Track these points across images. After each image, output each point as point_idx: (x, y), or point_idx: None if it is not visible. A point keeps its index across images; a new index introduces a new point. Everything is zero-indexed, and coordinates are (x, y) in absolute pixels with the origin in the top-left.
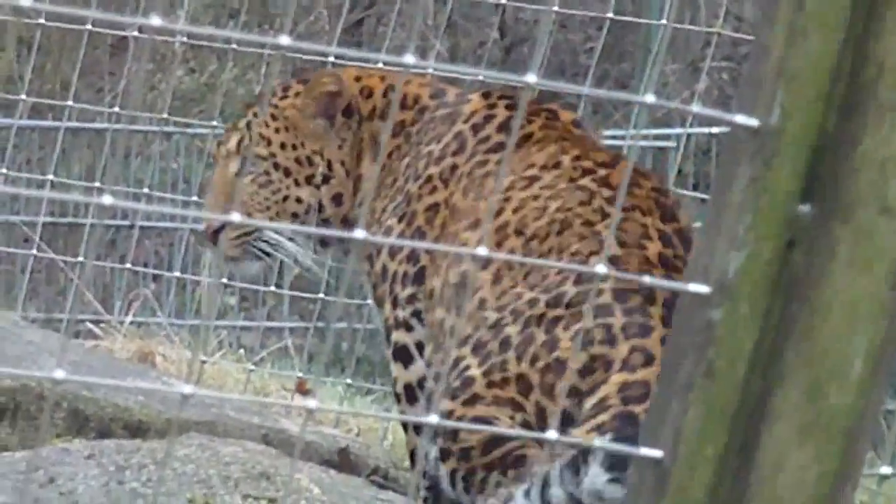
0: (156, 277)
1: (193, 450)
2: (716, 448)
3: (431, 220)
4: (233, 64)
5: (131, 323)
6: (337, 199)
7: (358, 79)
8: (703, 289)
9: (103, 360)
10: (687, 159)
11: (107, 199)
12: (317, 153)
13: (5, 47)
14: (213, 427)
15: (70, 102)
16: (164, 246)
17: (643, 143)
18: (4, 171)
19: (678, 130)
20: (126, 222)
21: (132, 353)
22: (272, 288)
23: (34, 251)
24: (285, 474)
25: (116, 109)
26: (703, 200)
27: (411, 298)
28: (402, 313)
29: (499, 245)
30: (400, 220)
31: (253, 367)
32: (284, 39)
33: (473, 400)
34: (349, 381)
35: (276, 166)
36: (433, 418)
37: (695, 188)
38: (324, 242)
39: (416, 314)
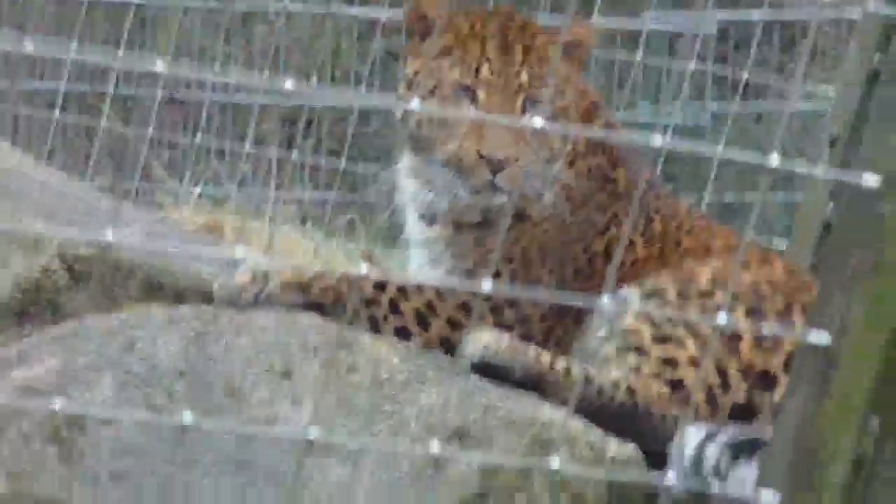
0: (222, 151)
1: (271, 319)
2: (883, 337)
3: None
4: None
5: (200, 195)
6: (566, 189)
7: None
8: (873, 181)
9: (174, 229)
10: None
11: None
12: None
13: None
14: None
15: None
16: (228, 120)
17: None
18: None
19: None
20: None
21: (201, 224)
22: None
23: (104, 122)
24: (365, 343)
25: None
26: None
27: None
28: None
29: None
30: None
31: (319, 240)
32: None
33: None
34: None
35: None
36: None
37: None
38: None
39: None
